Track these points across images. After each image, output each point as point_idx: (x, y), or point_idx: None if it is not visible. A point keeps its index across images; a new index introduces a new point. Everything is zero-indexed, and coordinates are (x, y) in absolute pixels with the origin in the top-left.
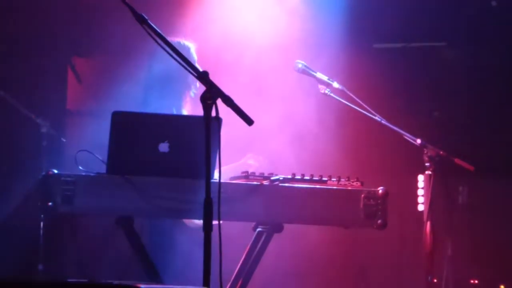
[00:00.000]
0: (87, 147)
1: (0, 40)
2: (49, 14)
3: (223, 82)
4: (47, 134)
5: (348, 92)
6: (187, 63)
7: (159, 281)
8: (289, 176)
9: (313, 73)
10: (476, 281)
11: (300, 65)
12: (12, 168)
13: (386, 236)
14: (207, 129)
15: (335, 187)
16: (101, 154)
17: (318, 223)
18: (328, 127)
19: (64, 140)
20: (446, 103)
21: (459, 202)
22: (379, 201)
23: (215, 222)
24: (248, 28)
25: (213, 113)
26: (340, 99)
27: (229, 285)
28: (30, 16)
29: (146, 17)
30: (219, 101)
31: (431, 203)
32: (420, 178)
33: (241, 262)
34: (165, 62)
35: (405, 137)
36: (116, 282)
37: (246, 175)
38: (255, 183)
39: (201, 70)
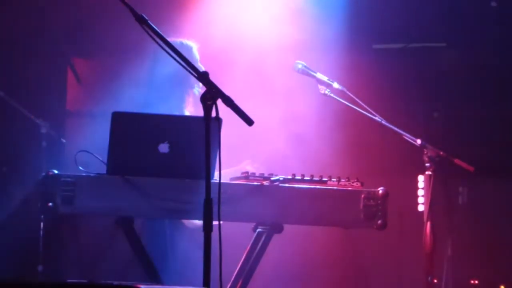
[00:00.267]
0: (87, 147)
1: (0, 41)
2: (49, 15)
3: (223, 82)
4: (47, 134)
5: (348, 93)
6: (188, 64)
7: (159, 281)
8: (289, 177)
9: (313, 73)
10: (476, 281)
11: (300, 66)
12: (12, 168)
13: (386, 237)
14: (207, 129)
15: (335, 188)
16: (101, 155)
17: (318, 224)
18: (328, 128)
19: (64, 141)
20: (446, 104)
21: (459, 202)
22: (379, 202)
23: (215, 223)
24: (248, 28)
25: (213, 114)
26: (340, 100)
27: (229, 285)
28: (30, 17)
29: (146, 18)
30: (219, 102)
31: (431, 203)
32: (420, 178)
33: (241, 262)
34: (167, 64)
35: (405, 138)
36: (116, 282)
37: (246, 176)
38: (255, 183)
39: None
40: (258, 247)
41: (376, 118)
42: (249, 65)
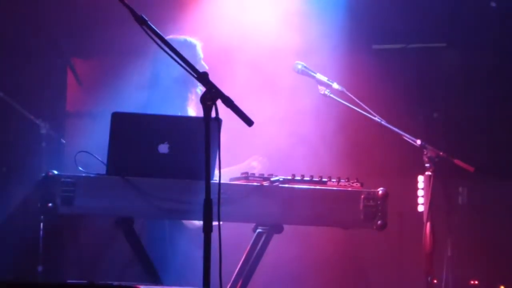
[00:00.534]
0: (86, 148)
1: (0, 41)
2: (49, 15)
3: (223, 82)
4: (47, 135)
5: (347, 93)
6: (188, 64)
7: (159, 281)
8: (289, 177)
9: (312, 74)
10: (476, 282)
11: (299, 66)
12: (12, 168)
13: (386, 237)
14: (206, 130)
15: (335, 188)
16: (101, 155)
17: (318, 224)
18: (327, 128)
19: (64, 141)
20: (446, 104)
21: (459, 202)
22: (379, 202)
23: (215, 223)
24: (248, 28)
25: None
26: (340, 100)
27: (229, 286)
28: (30, 18)
29: (146, 18)
30: (219, 102)
31: (431, 203)
32: (420, 178)
33: (240, 263)
34: (173, 65)
35: (405, 138)
36: (116, 283)
37: (246, 176)
38: (255, 184)
39: (206, 68)
40: (258, 247)
41: (376, 119)
42: (248, 66)
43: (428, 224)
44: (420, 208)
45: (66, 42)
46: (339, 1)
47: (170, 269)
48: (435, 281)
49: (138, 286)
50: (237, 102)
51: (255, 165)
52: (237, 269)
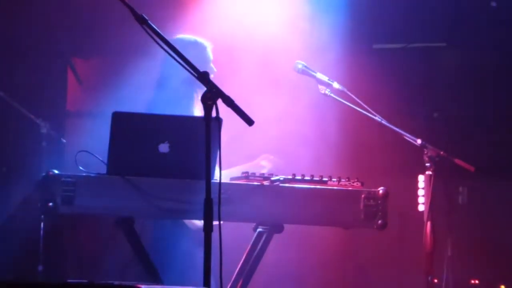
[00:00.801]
0: (87, 147)
1: (0, 41)
2: (50, 15)
3: (223, 82)
4: (47, 134)
5: (348, 93)
6: (188, 64)
7: (159, 281)
8: (289, 177)
9: (313, 73)
10: (476, 281)
11: (300, 66)
12: (12, 168)
13: (386, 236)
14: (207, 129)
15: (335, 188)
16: (101, 155)
17: (318, 224)
18: (328, 128)
19: (64, 141)
20: (446, 104)
21: (459, 202)
22: (379, 202)
23: (215, 223)
24: (249, 28)
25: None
26: (340, 100)
27: (229, 285)
28: (30, 18)
29: (146, 18)
30: (219, 102)
31: (431, 203)
32: (421, 178)
33: (241, 262)
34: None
35: (405, 138)
36: (116, 282)
37: (247, 176)
38: (255, 183)
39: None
40: (258, 247)
41: (376, 118)
42: (248, 66)
43: (429, 223)
44: (421, 208)
45: (66, 42)
46: (340, 1)
47: (171, 268)
48: (435, 280)
49: (138, 285)
50: (238, 101)
51: (265, 164)
52: (238, 268)
